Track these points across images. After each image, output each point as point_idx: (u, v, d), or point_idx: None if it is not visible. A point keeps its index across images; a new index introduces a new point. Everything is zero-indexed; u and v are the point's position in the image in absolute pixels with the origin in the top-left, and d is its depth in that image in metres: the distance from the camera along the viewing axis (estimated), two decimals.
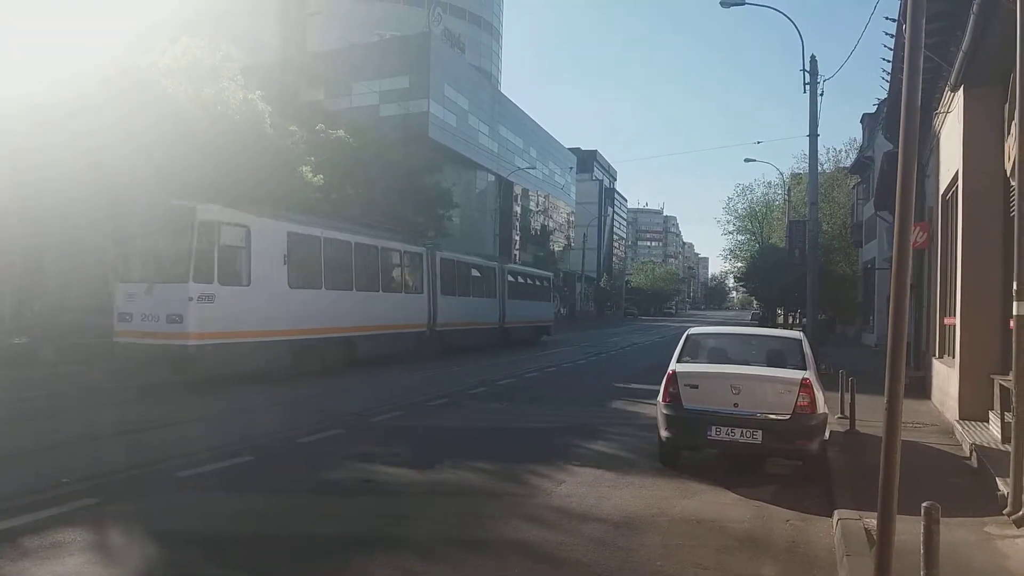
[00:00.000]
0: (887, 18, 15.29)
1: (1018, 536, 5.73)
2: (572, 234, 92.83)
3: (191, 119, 19.76)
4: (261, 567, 5.13)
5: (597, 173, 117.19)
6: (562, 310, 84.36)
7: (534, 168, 75.78)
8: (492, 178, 68.64)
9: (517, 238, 74.56)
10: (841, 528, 5.76)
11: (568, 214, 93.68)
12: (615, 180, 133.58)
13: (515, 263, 53.87)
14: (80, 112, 16.93)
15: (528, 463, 8.36)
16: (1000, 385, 9.07)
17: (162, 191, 16.82)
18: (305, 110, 35.98)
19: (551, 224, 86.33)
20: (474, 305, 26.92)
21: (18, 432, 9.67)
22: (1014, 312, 6.16)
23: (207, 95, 21.38)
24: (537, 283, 35.08)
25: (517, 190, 74.91)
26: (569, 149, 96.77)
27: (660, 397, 8.10)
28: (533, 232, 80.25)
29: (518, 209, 75.93)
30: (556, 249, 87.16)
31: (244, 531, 5.80)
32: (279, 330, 15.86)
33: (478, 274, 28.08)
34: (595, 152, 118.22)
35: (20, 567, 4.90)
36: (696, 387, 7.86)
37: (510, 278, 30.98)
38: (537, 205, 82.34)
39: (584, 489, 7.20)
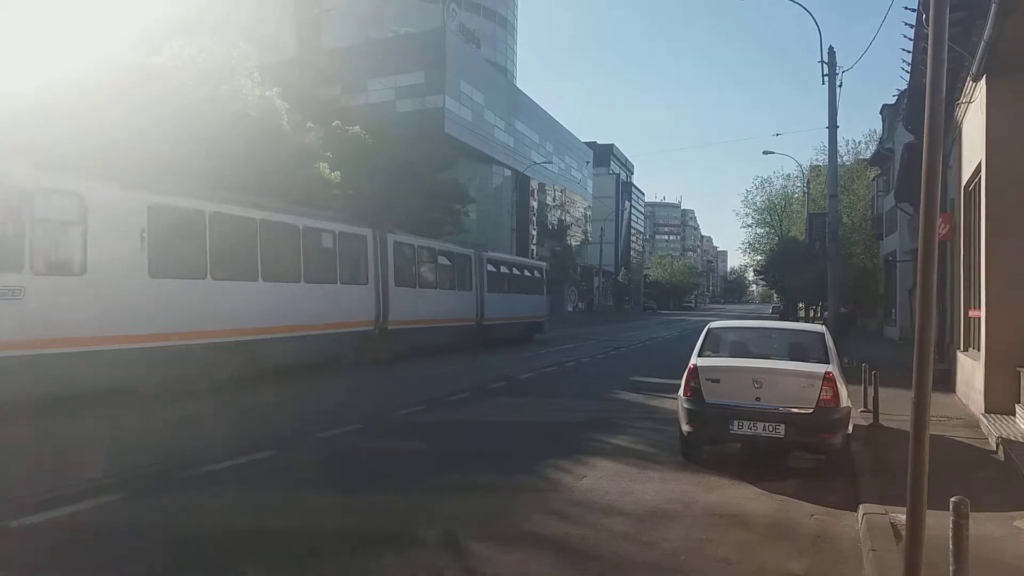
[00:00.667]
0: (907, 8, 15.08)
1: None
2: (589, 228, 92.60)
3: (207, 116, 19.85)
4: (283, 562, 5.15)
5: (614, 167, 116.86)
6: (580, 305, 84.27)
7: (550, 163, 75.64)
8: (508, 173, 68.58)
9: (534, 233, 74.43)
10: (867, 522, 5.73)
11: (585, 208, 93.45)
12: (632, 174, 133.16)
13: (533, 258, 53.85)
14: (92, 109, 16.84)
15: (549, 457, 8.38)
16: None
17: (186, 185, 16.02)
18: (322, 107, 36.13)
19: (568, 218, 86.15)
20: (442, 299, 23.41)
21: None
22: None
23: (224, 93, 21.48)
24: (526, 274, 31.80)
25: (533, 185, 74.83)
26: (585, 143, 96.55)
27: (681, 391, 8.07)
28: (550, 227, 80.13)
29: (535, 204, 75.84)
30: (573, 244, 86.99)
31: (265, 526, 5.84)
32: (135, 335, 11.88)
33: (447, 262, 24.39)
34: (612, 146, 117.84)
35: (51, 558, 4.97)
36: (717, 381, 7.83)
37: (491, 267, 27.37)
38: (554, 200, 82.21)
39: (606, 483, 7.19)
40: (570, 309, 79.62)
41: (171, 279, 12.79)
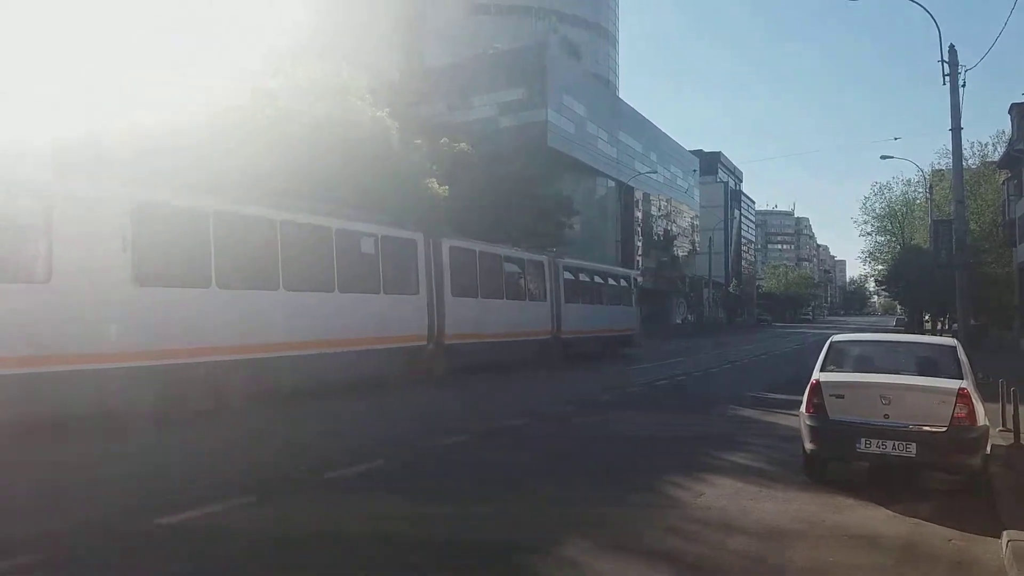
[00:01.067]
0: None
1: None
2: (697, 239, 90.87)
3: (324, 136, 20.79)
4: (401, 568, 5.28)
5: (722, 175, 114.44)
6: (689, 317, 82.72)
7: (655, 172, 74.80)
8: (612, 184, 68.32)
9: (639, 244, 73.71)
10: (1012, 550, 5.36)
11: (692, 218, 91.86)
12: (741, 181, 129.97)
13: (638, 269, 53.19)
14: (220, 133, 17.71)
15: (663, 473, 8.26)
16: None
17: (300, 203, 15.66)
18: (428, 125, 37.17)
19: (674, 229, 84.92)
20: (510, 310, 21.15)
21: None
22: None
23: (338, 113, 22.48)
24: (611, 283, 29.27)
25: (638, 195, 74.20)
26: (691, 152, 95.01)
27: (803, 407, 7.80)
28: (656, 237, 79.19)
29: (639, 214, 75.16)
30: (681, 254, 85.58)
31: (384, 531, 6.00)
32: (119, 351, 10.23)
33: (517, 270, 22.29)
34: (719, 153, 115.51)
35: (183, 557, 5.32)
36: (842, 397, 7.52)
37: (568, 275, 24.95)
38: (659, 210, 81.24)
39: (725, 501, 7.03)
40: (679, 321, 78.31)
41: (164, 287, 11.10)
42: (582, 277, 26.50)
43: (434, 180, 26.95)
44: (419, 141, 28.75)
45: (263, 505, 6.65)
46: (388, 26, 63.50)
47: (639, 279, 34.79)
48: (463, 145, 32.71)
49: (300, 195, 16.35)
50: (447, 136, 33.22)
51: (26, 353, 9.18)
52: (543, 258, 24.07)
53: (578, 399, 14.72)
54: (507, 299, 21.25)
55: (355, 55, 37.83)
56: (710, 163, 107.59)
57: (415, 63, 62.59)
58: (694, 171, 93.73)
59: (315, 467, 8.10)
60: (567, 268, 25.19)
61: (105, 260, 10.34)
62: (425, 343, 17.23)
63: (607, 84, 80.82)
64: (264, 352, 12.58)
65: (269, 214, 13.17)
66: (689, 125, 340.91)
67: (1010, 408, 10.04)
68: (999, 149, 43.04)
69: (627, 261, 63.02)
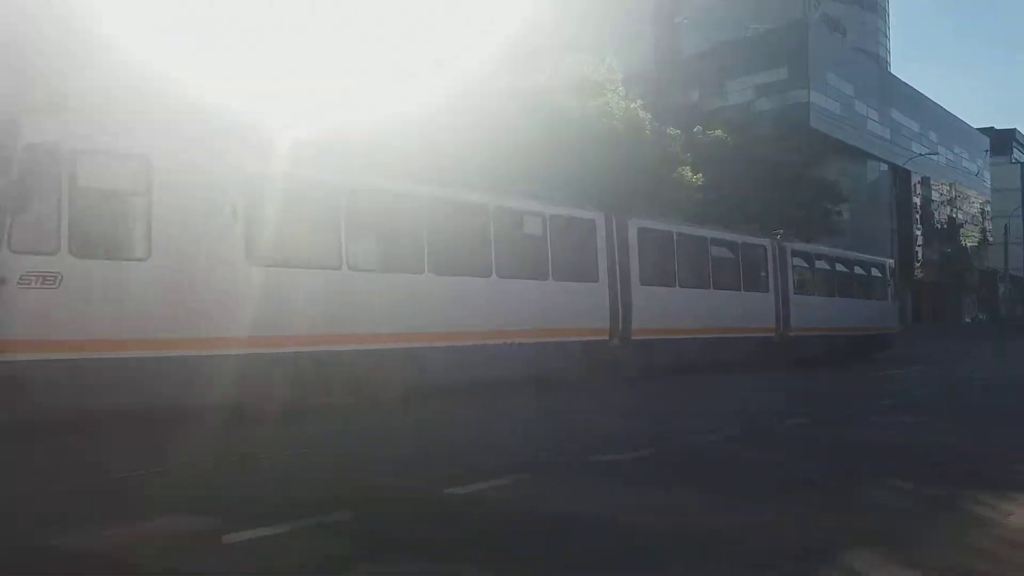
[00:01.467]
0: None
1: None
2: (989, 227, 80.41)
3: (581, 129, 21.24)
4: (675, 564, 5.04)
5: (1018, 155, 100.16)
6: (981, 315, 73.71)
7: (936, 154, 67.26)
8: (885, 168, 62.61)
9: (919, 233, 66.69)
10: None
11: (982, 204, 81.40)
12: None
13: (918, 261, 47.97)
14: (475, 126, 18.51)
15: (961, 487, 7.20)
16: None
17: (555, 195, 15.99)
18: (681, 113, 36.52)
19: (961, 216, 75.84)
20: (718, 302, 18.04)
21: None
22: None
23: (593, 107, 22.91)
24: (859, 272, 24.79)
25: (916, 179, 67.25)
26: (979, 130, 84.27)
27: None
28: (938, 226, 71.27)
29: (918, 201, 68.07)
30: (969, 244, 76.30)
31: (639, 521, 5.79)
32: (225, 338, 9.32)
33: (728, 255, 19.04)
34: (1014, 131, 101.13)
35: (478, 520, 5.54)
36: None
37: (798, 262, 21.31)
38: (942, 195, 73.00)
39: None
40: (968, 320, 69.97)
41: (282, 268, 10.09)
42: (819, 264, 22.78)
43: (688, 168, 26.50)
44: (673, 130, 28.39)
45: (540, 483, 6.92)
46: (642, 17, 63.31)
47: (896, 267, 30.70)
48: (718, 132, 31.92)
49: (545, 188, 16.62)
50: (702, 123, 32.54)
51: (115, 336, 8.49)
52: (764, 241, 20.58)
53: (849, 403, 13.72)
54: (714, 289, 18.19)
55: (611, 47, 38.27)
56: (1003, 141, 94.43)
57: (668, 53, 61.82)
58: (984, 151, 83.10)
59: (576, 451, 8.28)
60: (797, 253, 21.50)
61: (214, 236, 9.47)
62: (607, 338, 15.26)
63: (876, 59, 74.06)
64: (406, 342, 11.49)
65: (412, 190, 11.98)
66: (977, 100, 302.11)
67: None
68: None
69: (904, 251, 57.44)
